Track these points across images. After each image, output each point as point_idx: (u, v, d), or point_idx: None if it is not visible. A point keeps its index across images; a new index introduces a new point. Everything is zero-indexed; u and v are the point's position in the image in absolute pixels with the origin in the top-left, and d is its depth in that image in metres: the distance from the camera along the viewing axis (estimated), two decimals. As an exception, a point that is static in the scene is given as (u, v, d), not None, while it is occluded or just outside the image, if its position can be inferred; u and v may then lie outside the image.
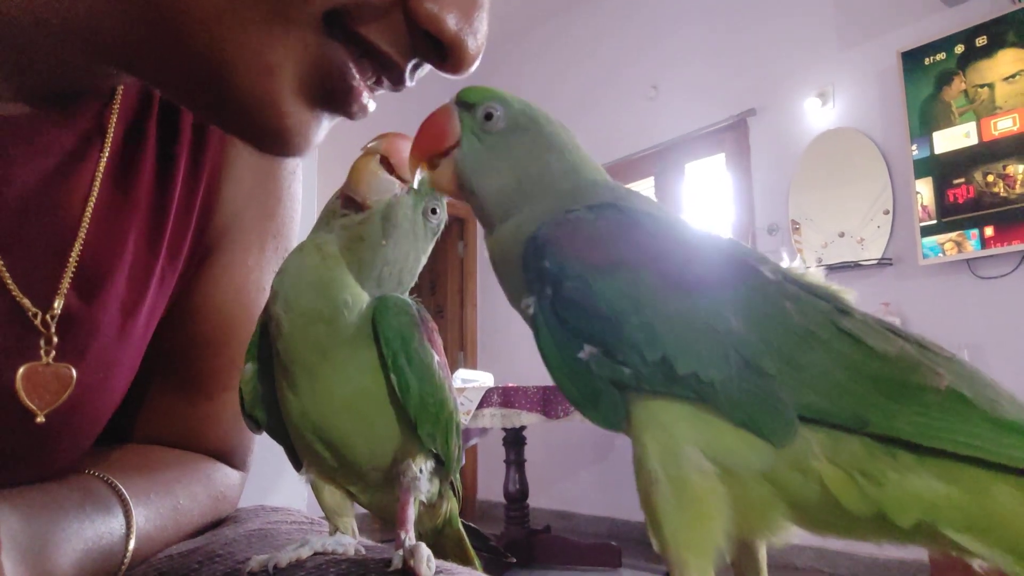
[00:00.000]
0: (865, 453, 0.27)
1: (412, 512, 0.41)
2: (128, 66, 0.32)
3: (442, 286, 5.20)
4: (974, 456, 0.26)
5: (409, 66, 0.34)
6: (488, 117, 0.37)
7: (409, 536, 0.40)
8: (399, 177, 0.44)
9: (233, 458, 0.55)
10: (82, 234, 0.43)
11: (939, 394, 0.27)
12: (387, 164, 0.44)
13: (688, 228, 0.33)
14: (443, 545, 0.49)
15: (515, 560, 0.57)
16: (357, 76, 0.32)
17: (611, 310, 0.30)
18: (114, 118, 0.45)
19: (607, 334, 0.29)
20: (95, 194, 0.44)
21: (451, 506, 0.48)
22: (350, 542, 0.43)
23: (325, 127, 0.34)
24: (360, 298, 0.42)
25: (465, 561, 0.49)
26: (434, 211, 0.45)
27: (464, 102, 0.38)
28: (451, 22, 0.32)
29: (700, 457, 0.28)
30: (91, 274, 0.44)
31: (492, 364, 4.38)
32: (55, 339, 0.42)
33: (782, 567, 3.12)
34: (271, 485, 1.32)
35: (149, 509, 0.44)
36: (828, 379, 0.27)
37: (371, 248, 0.42)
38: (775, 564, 3.12)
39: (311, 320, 0.41)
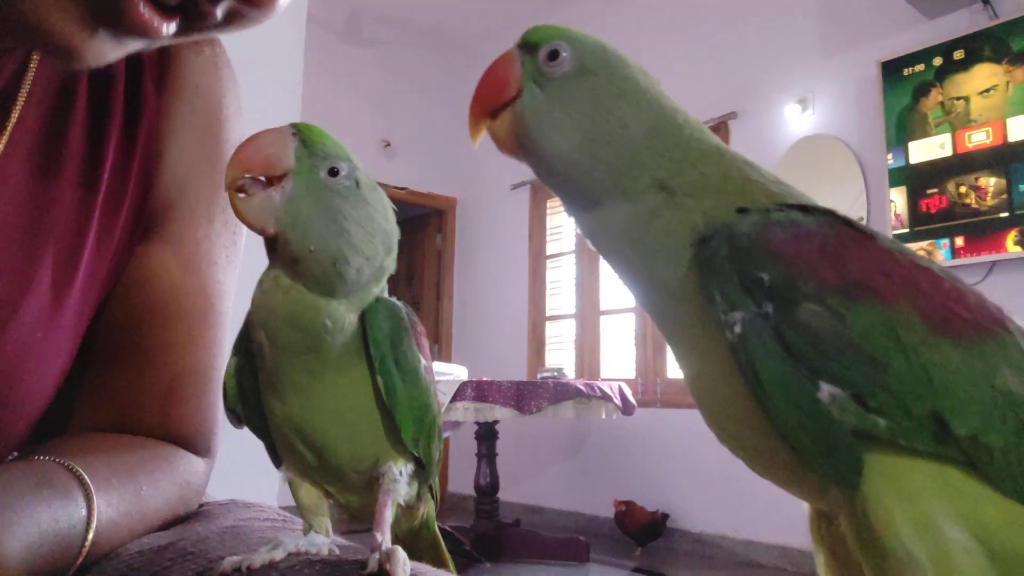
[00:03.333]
0: None
1: (389, 515, 0.41)
2: None
3: (419, 279, 5.17)
4: None
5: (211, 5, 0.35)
6: (552, 57, 0.32)
7: (385, 539, 0.39)
8: (264, 178, 0.38)
9: (196, 444, 0.53)
10: None
11: None
12: (250, 181, 0.38)
13: (911, 252, 0.28)
14: (418, 547, 0.49)
15: (488, 564, 0.57)
16: (141, 5, 0.34)
17: (871, 348, 0.25)
18: (28, 80, 0.44)
19: (862, 376, 0.24)
20: None
21: (428, 509, 0.48)
22: (323, 542, 0.42)
23: (118, 45, 0.35)
24: (340, 313, 0.40)
25: (439, 563, 0.48)
26: (333, 171, 0.39)
27: (527, 43, 0.33)
28: None
29: (966, 535, 0.24)
30: (10, 240, 0.43)
31: (467, 358, 4.37)
32: None
33: (747, 565, 3.17)
34: (242, 476, 1.30)
35: (111, 495, 0.42)
36: None
37: (309, 261, 0.38)
38: (740, 562, 3.17)
39: (296, 352, 0.40)
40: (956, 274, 0.28)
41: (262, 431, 0.44)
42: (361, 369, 0.40)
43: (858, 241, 0.27)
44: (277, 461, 0.45)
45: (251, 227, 0.38)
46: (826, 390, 0.25)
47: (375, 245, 0.40)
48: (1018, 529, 0.23)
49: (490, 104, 0.33)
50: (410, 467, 0.43)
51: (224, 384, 0.44)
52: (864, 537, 0.25)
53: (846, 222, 0.28)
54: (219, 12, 0.36)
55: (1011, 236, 2.53)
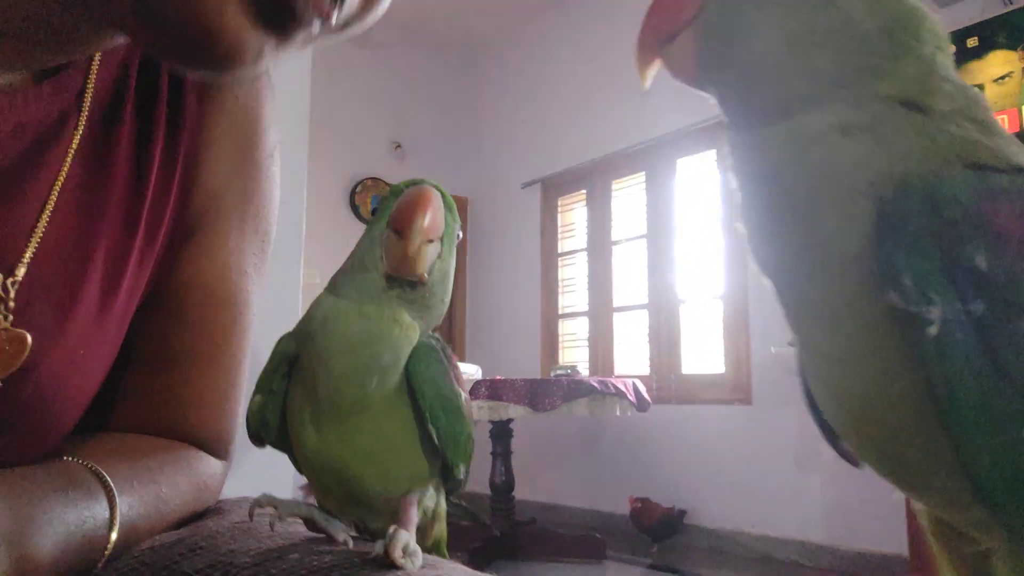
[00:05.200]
0: None
1: (415, 513, 0.43)
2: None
3: (431, 277, 5.18)
4: None
5: None
6: None
7: (402, 529, 0.40)
8: (435, 238, 0.43)
9: (216, 446, 0.55)
10: (49, 208, 0.43)
11: None
12: (412, 228, 0.42)
13: None
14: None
15: (498, 532, 0.60)
16: None
17: None
18: (88, 97, 0.45)
19: None
20: (65, 171, 0.44)
21: (440, 531, 0.49)
22: (341, 527, 0.44)
23: (272, 50, 0.33)
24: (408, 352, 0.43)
25: None
26: (458, 236, 0.46)
27: None
28: None
29: None
30: (66, 251, 0.44)
31: (480, 356, 4.38)
32: (12, 304, 0.42)
33: (764, 560, 3.15)
34: (257, 475, 1.31)
35: (132, 497, 0.44)
36: None
37: (435, 308, 0.45)
38: (757, 558, 3.15)
39: (364, 383, 0.42)
40: None
41: (284, 446, 0.46)
42: (402, 409, 0.42)
43: None
44: (299, 467, 0.46)
45: (414, 274, 0.42)
46: None
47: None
48: None
49: (669, 24, 0.27)
50: (437, 483, 0.46)
51: (248, 418, 0.46)
52: None
53: None
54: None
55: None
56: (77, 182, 0.45)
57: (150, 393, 0.52)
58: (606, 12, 4.21)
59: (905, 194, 0.21)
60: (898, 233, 0.21)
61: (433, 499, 0.45)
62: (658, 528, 3.27)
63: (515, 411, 2.82)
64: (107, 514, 0.41)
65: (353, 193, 4.55)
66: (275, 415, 0.45)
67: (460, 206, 4.01)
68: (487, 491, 3.20)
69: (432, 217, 0.42)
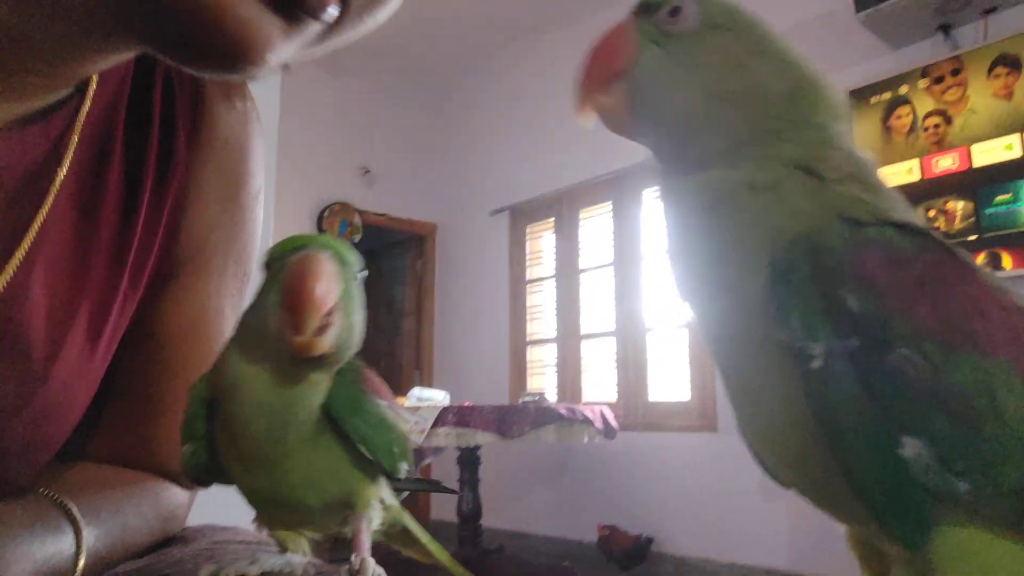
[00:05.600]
0: None
1: (367, 539, 0.43)
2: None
3: (399, 305, 5.16)
4: None
5: None
6: (674, 13, 0.29)
7: (362, 556, 0.41)
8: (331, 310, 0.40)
9: (183, 478, 0.55)
10: (20, 254, 0.42)
11: None
12: (303, 319, 0.38)
13: (1011, 289, 0.25)
14: (403, 545, 0.51)
15: (460, 493, 0.61)
16: None
17: (967, 406, 0.22)
18: (75, 137, 0.45)
19: (951, 435, 0.22)
20: (44, 211, 0.43)
21: (400, 518, 0.49)
22: (300, 561, 0.43)
23: (282, 33, 0.32)
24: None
25: (426, 555, 0.50)
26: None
27: (644, 5, 0.30)
28: None
29: None
30: (53, 300, 0.44)
31: (449, 383, 4.36)
32: None
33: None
34: (220, 503, 1.29)
35: (99, 529, 0.44)
36: None
37: (348, 355, 0.41)
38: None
39: (282, 440, 0.41)
40: None
41: (226, 480, 0.46)
42: (326, 436, 0.42)
43: (960, 274, 0.24)
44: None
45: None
46: (909, 446, 0.22)
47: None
48: None
49: (603, 76, 0.30)
50: (382, 491, 0.45)
51: (184, 468, 0.45)
52: None
53: (945, 247, 0.25)
54: None
55: (980, 259, 2.60)
56: (64, 228, 0.45)
57: (123, 427, 0.53)
58: (576, 42, 4.29)
59: (794, 246, 0.24)
60: (787, 279, 0.24)
61: (381, 506, 0.45)
62: (626, 556, 3.26)
63: (483, 437, 2.81)
64: (73, 547, 0.42)
65: (321, 218, 4.53)
66: (206, 455, 0.44)
67: (429, 232, 3.98)
68: (454, 519, 3.17)
69: (323, 292, 0.37)
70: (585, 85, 0.30)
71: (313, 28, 0.34)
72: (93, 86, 0.45)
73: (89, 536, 0.43)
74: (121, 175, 0.48)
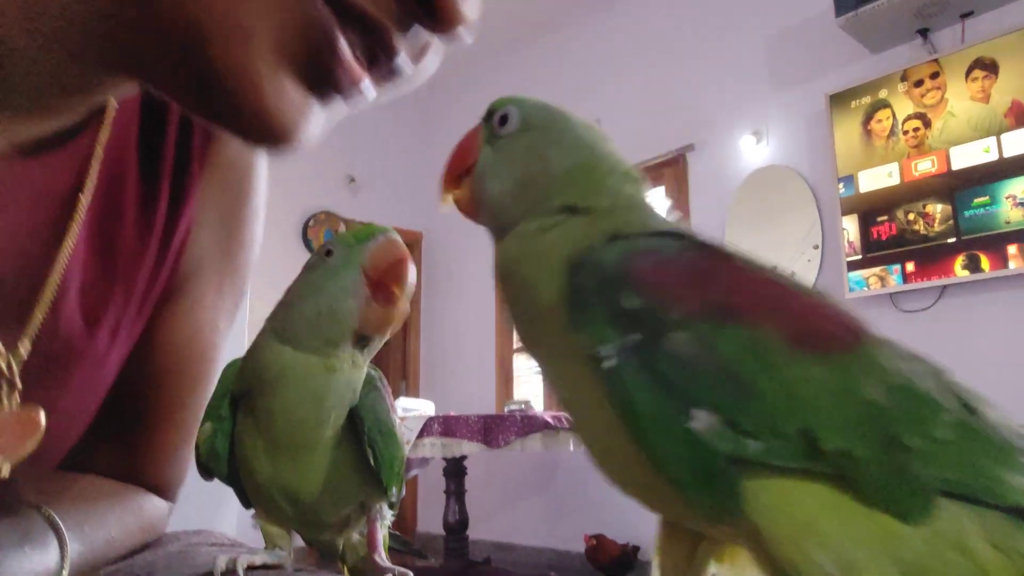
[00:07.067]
0: (1012, 528, 0.23)
1: (381, 537, 0.47)
2: (104, 53, 0.30)
3: (385, 313, 5.14)
4: None
5: (397, 36, 0.31)
6: (503, 121, 0.35)
7: (382, 558, 0.45)
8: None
9: (167, 491, 0.57)
10: (55, 282, 0.43)
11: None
12: (403, 296, 0.43)
13: (771, 268, 0.29)
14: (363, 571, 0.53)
15: (433, 561, 0.66)
16: (343, 40, 0.29)
17: (738, 371, 0.25)
18: (94, 169, 0.44)
19: (732, 400, 0.24)
20: (67, 243, 0.43)
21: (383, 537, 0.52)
22: (284, 555, 0.46)
23: (316, 112, 0.32)
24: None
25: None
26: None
27: (488, 113, 0.36)
28: None
29: (854, 550, 0.23)
30: (72, 327, 0.45)
31: (435, 393, 4.34)
32: (19, 384, 0.41)
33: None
34: (198, 514, 1.27)
35: (84, 543, 0.45)
36: (960, 449, 0.24)
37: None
38: None
39: (324, 425, 0.43)
40: (814, 287, 0.29)
41: (231, 480, 0.48)
42: (347, 435, 0.44)
43: (717, 263, 0.28)
44: (246, 503, 0.48)
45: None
46: (698, 418, 0.24)
47: None
48: (886, 537, 0.23)
49: (455, 171, 0.36)
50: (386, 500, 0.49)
51: (197, 445, 0.47)
52: (765, 561, 0.24)
53: (703, 244, 0.29)
54: (404, 62, 0.32)
55: (959, 261, 2.62)
56: (86, 256, 0.45)
57: (113, 440, 0.54)
58: (561, 54, 4.32)
59: (578, 266, 0.28)
60: (577, 294, 0.28)
61: (390, 515, 0.49)
62: (613, 565, 3.24)
63: (469, 447, 2.79)
64: (58, 561, 0.43)
65: (306, 227, 4.51)
66: (224, 444, 0.46)
67: (414, 241, 4.00)
68: (440, 531, 3.14)
69: (412, 268, 0.43)
70: (444, 180, 0.37)
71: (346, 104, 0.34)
72: (112, 112, 0.45)
73: (73, 551, 0.43)
74: (137, 199, 0.49)
